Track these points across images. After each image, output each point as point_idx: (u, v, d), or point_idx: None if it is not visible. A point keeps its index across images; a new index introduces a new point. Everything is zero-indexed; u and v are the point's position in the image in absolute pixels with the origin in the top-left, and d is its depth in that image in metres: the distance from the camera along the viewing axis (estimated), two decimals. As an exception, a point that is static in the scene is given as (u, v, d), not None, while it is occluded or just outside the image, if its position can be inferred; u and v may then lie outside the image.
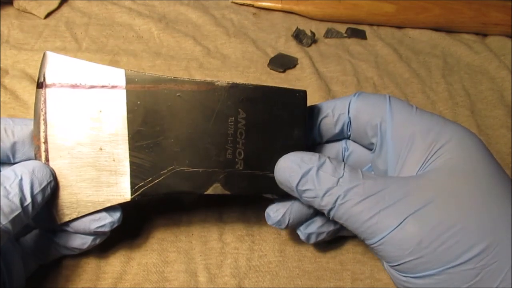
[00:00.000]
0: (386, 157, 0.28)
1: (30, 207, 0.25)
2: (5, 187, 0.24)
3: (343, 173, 0.26)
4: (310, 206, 0.29)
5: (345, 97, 0.30)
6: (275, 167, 0.28)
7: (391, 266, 0.26)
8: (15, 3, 0.48)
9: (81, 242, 0.29)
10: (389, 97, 0.29)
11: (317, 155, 0.27)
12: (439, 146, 0.26)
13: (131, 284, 0.32)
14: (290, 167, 0.27)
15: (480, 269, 0.23)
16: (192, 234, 0.35)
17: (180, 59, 0.46)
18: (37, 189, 0.25)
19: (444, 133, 0.26)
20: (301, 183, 0.26)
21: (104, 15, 0.49)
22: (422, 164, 0.26)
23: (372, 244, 0.26)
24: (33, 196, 0.25)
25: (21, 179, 0.25)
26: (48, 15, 0.48)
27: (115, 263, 0.33)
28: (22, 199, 0.24)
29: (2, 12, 0.48)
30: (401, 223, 0.24)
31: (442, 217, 0.24)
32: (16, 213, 0.24)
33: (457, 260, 0.23)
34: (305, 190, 0.27)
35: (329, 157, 0.27)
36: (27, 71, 0.43)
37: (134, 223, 0.34)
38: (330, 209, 0.26)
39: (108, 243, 0.33)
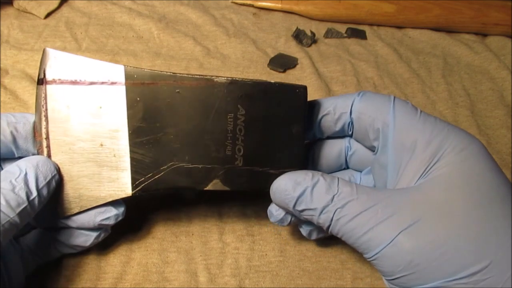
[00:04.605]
0: (386, 162, 0.28)
1: (36, 201, 0.25)
2: (10, 181, 0.25)
3: (338, 190, 0.26)
4: None
5: (347, 95, 0.30)
6: (271, 189, 0.28)
7: (387, 280, 0.26)
8: (15, 3, 0.48)
9: (83, 239, 0.29)
10: (394, 99, 0.28)
11: (310, 173, 0.27)
12: (439, 157, 0.26)
13: (131, 284, 0.32)
14: (284, 190, 0.27)
15: (473, 284, 0.23)
16: (192, 234, 0.35)
17: (180, 59, 0.46)
18: (42, 183, 0.26)
19: (446, 144, 0.26)
20: (297, 204, 0.27)
21: (104, 15, 0.49)
22: (421, 175, 0.26)
23: (368, 259, 0.26)
24: (38, 190, 0.25)
25: (26, 174, 0.25)
26: (48, 15, 0.48)
27: (116, 263, 0.33)
28: (28, 193, 0.25)
29: (2, 12, 0.48)
30: (393, 239, 0.24)
31: (433, 234, 0.24)
32: (23, 206, 0.24)
33: (450, 277, 0.23)
34: (302, 210, 0.27)
35: (322, 174, 0.27)
36: (27, 71, 0.43)
37: (135, 223, 0.34)
38: (328, 226, 0.26)
39: (109, 243, 0.33)
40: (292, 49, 0.49)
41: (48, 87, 0.27)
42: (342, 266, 0.34)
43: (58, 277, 0.32)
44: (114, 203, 0.29)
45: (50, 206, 0.28)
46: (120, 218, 0.29)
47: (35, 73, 0.43)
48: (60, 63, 0.27)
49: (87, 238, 0.30)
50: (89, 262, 0.32)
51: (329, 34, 0.51)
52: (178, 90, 0.27)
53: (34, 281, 0.31)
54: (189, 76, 0.27)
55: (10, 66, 0.43)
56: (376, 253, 0.25)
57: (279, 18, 0.53)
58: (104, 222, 0.29)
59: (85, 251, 0.32)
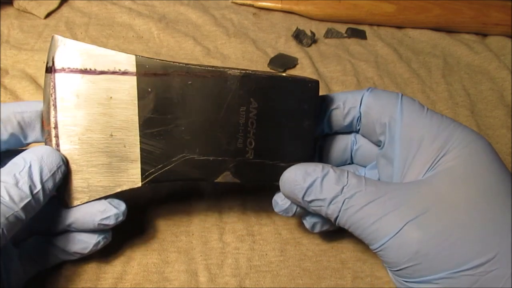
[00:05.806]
0: (392, 157, 0.28)
1: (40, 194, 0.25)
2: (14, 175, 0.25)
3: (347, 181, 0.26)
4: None
5: (357, 90, 0.30)
6: (280, 179, 0.28)
7: (392, 271, 0.26)
8: (15, 3, 0.48)
9: (82, 246, 0.29)
10: (401, 96, 0.29)
11: (320, 165, 0.27)
12: (445, 151, 0.26)
13: (131, 284, 0.32)
14: (294, 180, 0.27)
15: (479, 275, 0.23)
16: (193, 234, 0.35)
17: (180, 59, 0.46)
18: (46, 176, 0.25)
19: (452, 139, 0.26)
20: (306, 195, 0.27)
21: (104, 15, 0.49)
22: (428, 168, 0.26)
23: (374, 250, 0.26)
24: (43, 183, 0.25)
25: (30, 166, 0.25)
26: (48, 15, 0.48)
27: (116, 263, 0.33)
28: (31, 187, 0.25)
29: (2, 12, 0.48)
30: (399, 230, 0.24)
31: (439, 226, 0.24)
32: (26, 200, 0.24)
33: (455, 268, 0.23)
34: (311, 201, 0.27)
35: (332, 166, 0.27)
36: (27, 71, 0.43)
37: (135, 223, 0.34)
38: (336, 217, 0.27)
39: (109, 243, 0.33)
40: (292, 49, 0.49)
41: (57, 75, 0.26)
42: (342, 265, 0.34)
43: (58, 277, 0.32)
44: (114, 202, 0.28)
45: (51, 207, 0.27)
46: (120, 219, 0.28)
47: (35, 73, 0.43)
48: (70, 51, 0.26)
49: (86, 245, 0.29)
50: (89, 262, 0.32)
51: (329, 34, 0.51)
52: (190, 82, 0.27)
53: (34, 281, 0.31)
54: (202, 68, 0.27)
55: (10, 66, 0.43)
56: (383, 244, 0.25)
57: (279, 18, 0.53)
58: (104, 222, 0.28)
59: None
